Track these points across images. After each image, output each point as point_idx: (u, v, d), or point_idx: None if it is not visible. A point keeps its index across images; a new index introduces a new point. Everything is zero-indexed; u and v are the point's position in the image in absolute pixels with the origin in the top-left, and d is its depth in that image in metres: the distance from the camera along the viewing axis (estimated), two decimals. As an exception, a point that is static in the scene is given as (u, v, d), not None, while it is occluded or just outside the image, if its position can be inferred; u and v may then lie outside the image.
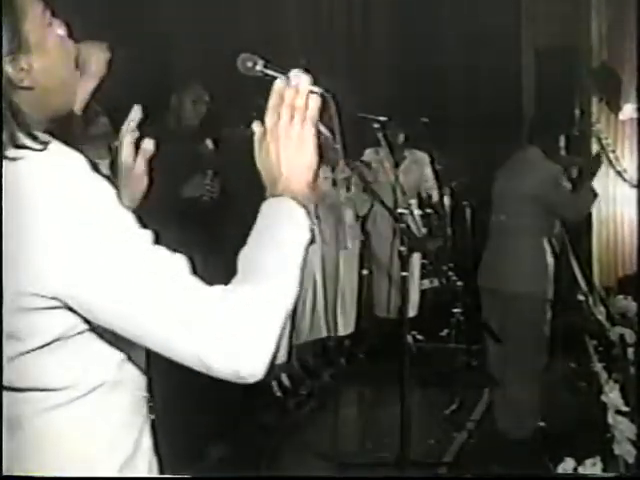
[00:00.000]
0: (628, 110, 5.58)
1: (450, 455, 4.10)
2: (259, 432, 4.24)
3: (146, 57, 4.68)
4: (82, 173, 1.09)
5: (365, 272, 5.81)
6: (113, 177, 1.46)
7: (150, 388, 1.30)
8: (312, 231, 1.20)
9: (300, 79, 1.22)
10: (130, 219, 1.10)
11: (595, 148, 5.65)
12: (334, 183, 5.36)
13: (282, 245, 1.16)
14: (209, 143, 4.34)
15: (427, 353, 5.53)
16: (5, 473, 1.14)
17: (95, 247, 1.06)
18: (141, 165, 1.52)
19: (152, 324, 1.07)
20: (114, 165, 1.53)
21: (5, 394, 1.13)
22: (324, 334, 5.30)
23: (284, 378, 4.99)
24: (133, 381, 1.24)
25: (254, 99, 4.88)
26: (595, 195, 4.16)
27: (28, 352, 1.11)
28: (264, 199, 1.23)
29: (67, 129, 1.24)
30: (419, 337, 5.82)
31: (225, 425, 4.04)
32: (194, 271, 1.12)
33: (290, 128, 1.21)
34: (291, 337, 5.00)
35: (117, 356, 1.19)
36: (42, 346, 1.11)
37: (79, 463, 1.17)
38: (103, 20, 4.21)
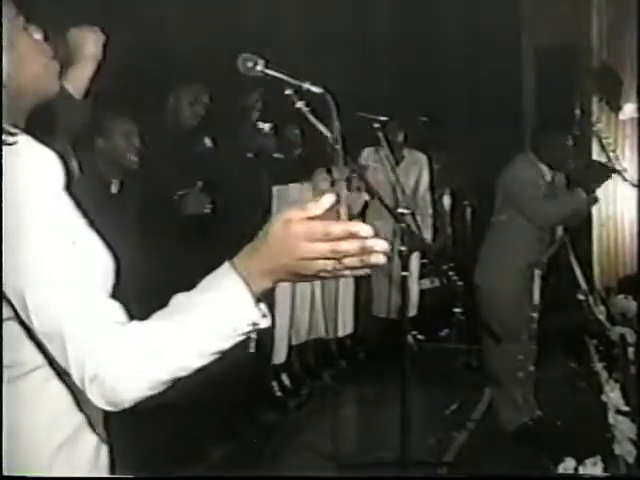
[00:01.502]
0: (628, 110, 5.58)
1: (450, 455, 4.09)
2: (259, 432, 4.24)
3: (144, 52, 4.62)
4: (40, 170, 1.14)
5: (365, 272, 5.79)
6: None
7: None
8: (252, 329, 1.11)
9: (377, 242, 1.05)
10: (71, 213, 1.14)
11: (595, 148, 5.66)
12: (333, 183, 5.35)
13: (217, 320, 1.10)
14: (207, 141, 4.25)
15: (427, 353, 5.53)
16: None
17: (28, 237, 1.10)
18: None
19: (55, 318, 1.10)
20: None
21: None
22: (322, 334, 5.29)
23: (284, 378, 4.99)
24: None
25: (254, 99, 4.80)
26: (592, 201, 4.13)
27: None
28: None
29: (68, 116, 1.28)
30: (419, 337, 5.82)
31: (225, 425, 4.04)
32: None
33: (315, 249, 1.06)
34: (290, 337, 5.00)
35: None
36: None
37: (16, 444, 1.19)
38: (102, 10, 4.18)
